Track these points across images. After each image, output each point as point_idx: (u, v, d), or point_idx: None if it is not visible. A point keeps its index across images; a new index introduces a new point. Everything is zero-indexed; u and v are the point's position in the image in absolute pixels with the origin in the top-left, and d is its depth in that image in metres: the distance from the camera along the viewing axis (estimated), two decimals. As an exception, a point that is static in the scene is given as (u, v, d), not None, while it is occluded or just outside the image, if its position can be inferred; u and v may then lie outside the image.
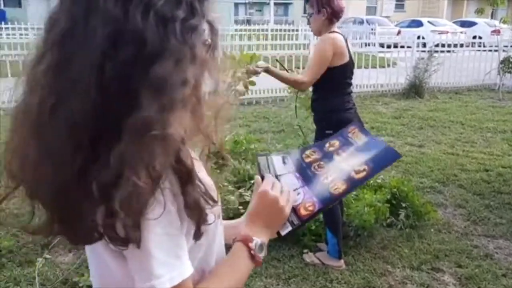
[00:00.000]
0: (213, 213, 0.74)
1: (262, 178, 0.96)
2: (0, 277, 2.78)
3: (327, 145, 1.11)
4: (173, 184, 0.67)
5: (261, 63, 2.83)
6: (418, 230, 3.44)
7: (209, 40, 0.69)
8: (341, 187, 0.99)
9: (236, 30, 16.43)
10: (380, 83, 9.26)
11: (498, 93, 9.50)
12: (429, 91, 9.27)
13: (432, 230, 3.48)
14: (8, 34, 12.67)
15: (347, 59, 2.74)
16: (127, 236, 0.63)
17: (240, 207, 3.42)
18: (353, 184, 1.00)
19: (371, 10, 30.74)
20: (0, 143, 0.74)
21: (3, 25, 13.46)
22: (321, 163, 1.06)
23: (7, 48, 8.03)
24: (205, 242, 0.79)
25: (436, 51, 9.59)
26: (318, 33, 2.80)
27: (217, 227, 0.84)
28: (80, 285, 2.61)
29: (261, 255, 0.84)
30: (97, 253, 0.75)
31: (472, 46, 10.86)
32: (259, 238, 0.85)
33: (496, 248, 3.27)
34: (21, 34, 12.64)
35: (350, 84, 2.90)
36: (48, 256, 2.99)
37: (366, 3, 30.69)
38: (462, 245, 3.29)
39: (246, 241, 0.84)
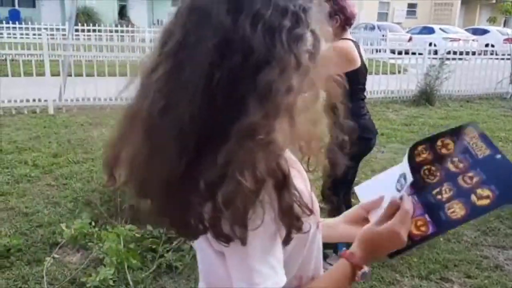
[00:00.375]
0: (310, 222, 0.76)
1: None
2: (9, 275, 2.80)
3: (438, 143, 0.92)
4: (271, 194, 0.68)
5: None
6: (427, 239, 3.41)
7: (312, 48, 0.71)
8: (459, 211, 0.82)
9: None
10: (391, 90, 9.22)
11: (510, 102, 9.42)
12: (440, 99, 9.21)
13: (441, 239, 3.45)
14: (21, 34, 12.82)
15: (358, 64, 2.73)
16: (232, 234, 0.66)
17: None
18: (473, 210, 0.82)
19: (382, 16, 30.66)
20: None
21: (17, 25, 13.62)
22: (433, 168, 0.89)
23: (20, 47, 8.13)
24: (304, 249, 0.81)
25: (448, 59, 9.52)
26: (330, 39, 2.80)
27: (316, 235, 0.85)
28: (88, 285, 2.62)
29: (361, 281, 0.85)
30: (202, 250, 0.79)
31: (484, 54, 10.78)
32: (368, 267, 0.84)
33: (506, 260, 3.23)
34: (34, 34, 12.78)
35: (364, 90, 2.88)
36: (56, 255, 3.00)
37: (377, 9, 30.62)
38: (471, 255, 3.25)
39: (355, 265, 0.83)
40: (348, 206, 3.02)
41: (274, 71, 0.65)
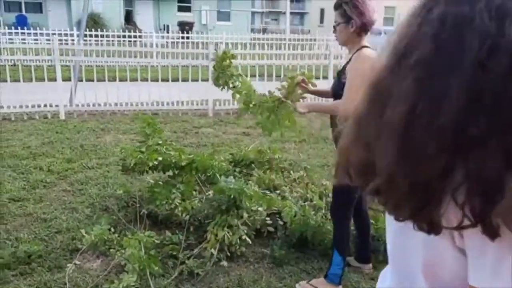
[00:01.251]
0: None
1: None
2: (31, 282, 2.79)
3: None
4: None
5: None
6: (447, 245, 3.38)
7: None
8: None
9: (254, 38, 16.52)
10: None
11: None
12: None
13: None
14: (31, 40, 12.88)
15: None
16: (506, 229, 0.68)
17: (267, 218, 3.40)
18: None
19: (388, 21, 30.64)
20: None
21: (25, 30, 13.68)
22: None
23: (31, 53, 8.17)
24: None
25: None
26: (343, 43, 2.71)
27: None
28: (111, 292, 2.61)
29: None
30: (435, 241, 0.80)
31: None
32: None
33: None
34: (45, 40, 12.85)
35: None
36: (77, 262, 3.00)
37: (383, 14, 30.63)
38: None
39: None
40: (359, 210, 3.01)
41: None
